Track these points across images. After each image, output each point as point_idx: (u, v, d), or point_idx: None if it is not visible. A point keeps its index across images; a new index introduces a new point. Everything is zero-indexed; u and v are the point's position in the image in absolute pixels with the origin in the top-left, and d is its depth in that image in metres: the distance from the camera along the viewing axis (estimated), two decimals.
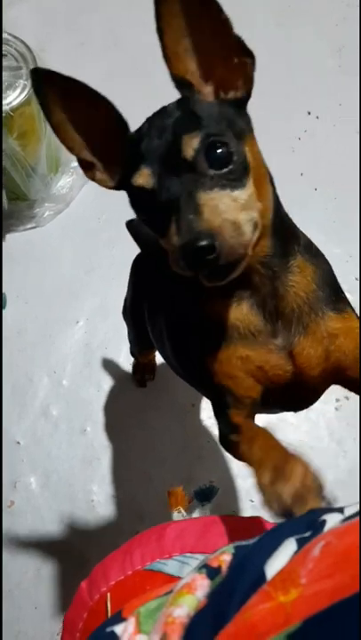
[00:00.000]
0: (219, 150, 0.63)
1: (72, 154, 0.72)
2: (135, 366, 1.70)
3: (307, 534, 0.43)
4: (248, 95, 0.68)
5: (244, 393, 0.78)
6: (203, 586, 0.42)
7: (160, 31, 0.64)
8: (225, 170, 0.63)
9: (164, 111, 0.67)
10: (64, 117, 0.69)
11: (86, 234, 1.88)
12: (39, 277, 1.87)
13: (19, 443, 1.66)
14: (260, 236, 0.67)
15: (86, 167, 0.74)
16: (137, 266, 1.20)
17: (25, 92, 1.59)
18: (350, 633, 0.29)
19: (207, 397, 0.91)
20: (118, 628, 0.45)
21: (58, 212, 1.91)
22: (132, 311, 1.27)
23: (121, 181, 0.71)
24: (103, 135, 0.70)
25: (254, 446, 0.72)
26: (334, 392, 1.61)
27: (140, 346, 1.48)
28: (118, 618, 0.46)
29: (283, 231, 0.73)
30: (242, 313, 0.74)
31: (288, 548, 0.41)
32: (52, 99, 0.68)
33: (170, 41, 0.64)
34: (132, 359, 1.69)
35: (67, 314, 1.82)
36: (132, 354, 1.61)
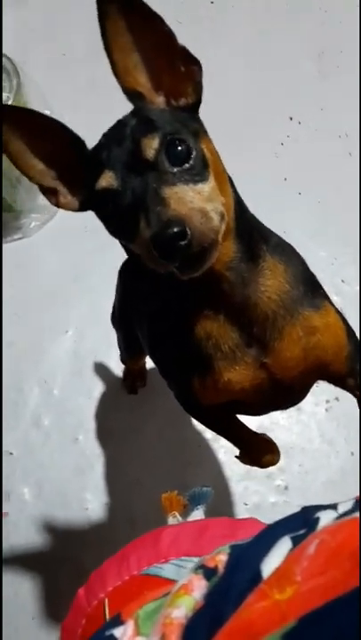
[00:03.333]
0: (178, 148, 0.65)
1: (32, 182, 0.73)
2: (126, 373, 1.70)
3: (301, 532, 0.43)
4: (199, 101, 0.70)
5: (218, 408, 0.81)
6: (200, 586, 0.43)
7: (107, 48, 0.66)
8: (186, 165, 0.65)
9: (119, 123, 0.69)
10: (23, 147, 0.70)
11: (73, 243, 1.89)
12: (27, 288, 1.87)
13: (11, 453, 1.66)
14: (224, 239, 0.68)
15: (49, 193, 0.74)
16: (124, 272, 1.21)
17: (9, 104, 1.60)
18: (345, 632, 0.29)
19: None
20: (117, 631, 0.45)
21: (44, 223, 1.91)
22: (121, 318, 1.28)
23: (85, 199, 0.72)
24: (63, 159, 0.72)
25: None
26: (324, 393, 1.65)
27: (129, 352, 1.48)
28: (117, 621, 0.47)
29: (248, 233, 0.74)
30: (221, 326, 0.75)
31: (283, 547, 0.42)
32: (9, 129, 0.69)
33: (118, 57, 0.67)
34: (122, 366, 1.69)
35: (56, 323, 1.82)
36: (122, 361, 1.61)
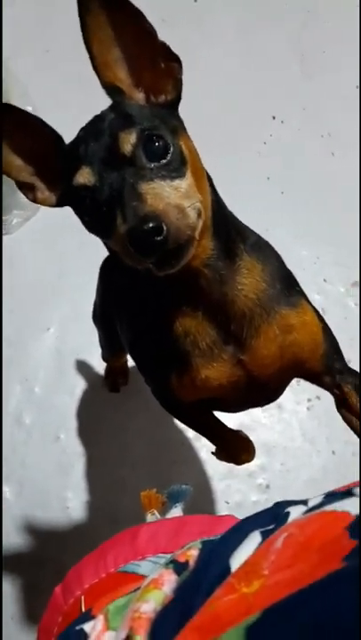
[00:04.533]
0: (156, 143, 0.65)
1: (10, 177, 0.73)
2: (108, 371, 1.70)
3: (271, 527, 0.43)
4: (178, 98, 0.70)
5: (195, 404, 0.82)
6: (170, 581, 0.43)
7: (87, 42, 0.66)
8: (163, 161, 0.65)
9: (97, 118, 0.68)
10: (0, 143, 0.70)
11: (55, 240, 1.88)
12: (9, 285, 1.86)
13: None
14: (201, 236, 0.68)
15: (26, 189, 0.74)
16: (105, 269, 1.21)
17: None
18: (307, 622, 0.29)
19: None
20: (87, 626, 0.45)
21: (26, 219, 1.90)
22: (101, 315, 1.27)
23: (63, 195, 0.72)
24: (40, 154, 0.72)
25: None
26: (306, 392, 1.66)
27: (110, 350, 1.48)
28: (88, 616, 0.47)
29: (226, 231, 0.74)
30: (199, 324, 0.75)
31: (252, 541, 0.42)
32: None
33: (98, 51, 0.66)
34: (104, 364, 1.69)
35: (38, 320, 1.81)
36: (104, 359, 1.61)
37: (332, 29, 2.19)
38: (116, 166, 0.64)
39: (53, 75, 2.05)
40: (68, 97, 1.97)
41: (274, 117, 2.06)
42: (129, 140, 0.64)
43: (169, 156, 0.65)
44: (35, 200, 0.74)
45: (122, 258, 0.65)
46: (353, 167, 1.98)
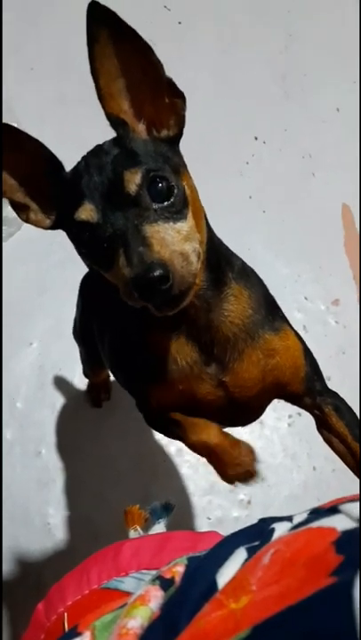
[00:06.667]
0: (160, 185, 0.65)
1: (4, 197, 0.72)
2: (90, 386, 1.70)
3: (256, 543, 0.44)
4: (180, 133, 0.71)
5: (174, 415, 0.81)
6: (156, 597, 0.43)
7: (94, 72, 0.66)
8: (167, 203, 0.65)
9: (100, 149, 0.68)
10: None
11: (39, 256, 1.88)
12: None
13: None
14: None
15: (19, 209, 0.74)
16: (85, 285, 1.21)
17: None
18: (297, 639, 0.29)
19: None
20: None
21: (10, 235, 1.90)
22: (82, 331, 1.28)
23: (57, 220, 0.72)
24: (36, 177, 0.71)
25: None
26: (286, 408, 1.67)
27: (91, 365, 1.48)
28: (74, 633, 0.47)
29: (217, 262, 0.75)
30: (180, 345, 0.76)
31: (238, 557, 0.43)
32: None
33: (104, 81, 0.67)
34: (86, 379, 1.69)
35: (20, 336, 1.80)
36: (85, 374, 1.61)
37: (313, 52, 2.23)
38: (120, 205, 0.64)
39: (38, 91, 2.07)
40: (52, 113, 1.98)
41: (256, 138, 2.09)
42: (134, 181, 0.64)
43: (173, 197, 0.65)
44: (27, 221, 0.74)
45: (121, 295, 0.65)
46: (333, 187, 2.02)
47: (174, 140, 0.71)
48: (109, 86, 0.67)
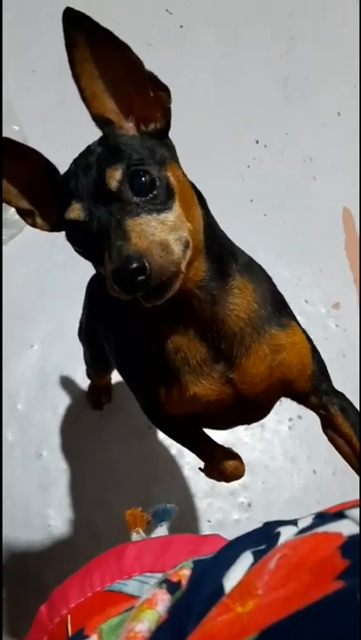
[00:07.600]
0: (143, 179, 0.66)
1: (10, 206, 0.76)
2: (91, 388, 1.70)
3: (262, 547, 0.44)
4: (168, 125, 0.72)
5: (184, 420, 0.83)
6: (163, 600, 0.44)
7: (75, 75, 0.67)
8: (150, 196, 0.66)
9: (87, 150, 0.70)
10: None
11: (40, 258, 1.89)
12: None
13: None
14: (194, 259, 0.70)
15: (26, 215, 0.77)
16: (92, 286, 1.22)
17: None
18: None
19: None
20: None
21: (11, 237, 1.90)
22: (87, 332, 1.28)
23: (57, 222, 0.74)
24: (36, 183, 0.74)
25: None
26: (287, 411, 1.67)
27: (95, 367, 1.49)
28: (81, 635, 0.47)
29: (219, 252, 0.76)
30: (187, 340, 0.77)
31: (245, 561, 0.43)
32: None
33: (86, 84, 0.68)
34: (88, 381, 1.69)
35: (21, 338, 1.81)
36: (89, 376, 1.61)
37: (314, 56, 2.24)
38: (104, 201, 0.66)
39: (40, 94, 2.07)
40: (53, 116, 1.99)
41: (257, 141, 2.10)
42: (115, 177, 0.66)
43: (156, 189, 0.67)
44: (34, 225, 0.77)
45: (107, 288, 0.67)
46: (334, 191, 2.03)
47: (163, 133, 0.72)
48: (92, 87, 0.68)
